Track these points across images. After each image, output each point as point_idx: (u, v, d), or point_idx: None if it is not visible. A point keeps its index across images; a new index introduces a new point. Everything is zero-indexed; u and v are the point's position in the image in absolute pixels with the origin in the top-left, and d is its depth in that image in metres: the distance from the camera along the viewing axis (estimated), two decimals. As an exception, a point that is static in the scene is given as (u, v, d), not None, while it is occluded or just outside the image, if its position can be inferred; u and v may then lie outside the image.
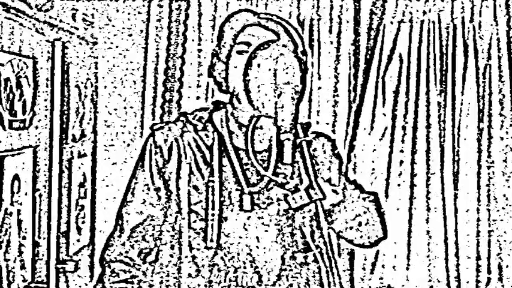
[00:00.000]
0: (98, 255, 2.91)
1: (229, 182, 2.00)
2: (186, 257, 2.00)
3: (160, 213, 2.03)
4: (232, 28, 2.05)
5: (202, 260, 1.99)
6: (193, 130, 2.05)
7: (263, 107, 1.94)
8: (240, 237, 2.00)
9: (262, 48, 1.96)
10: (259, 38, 2.01)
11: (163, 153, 2.03)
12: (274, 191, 2.02)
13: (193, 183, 2.00)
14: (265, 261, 2.00)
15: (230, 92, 2.04)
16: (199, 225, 1.99)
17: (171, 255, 2.01)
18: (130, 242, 2.02)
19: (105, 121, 3.10)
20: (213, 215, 1.97)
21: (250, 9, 2.10)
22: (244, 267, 1.98)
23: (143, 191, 2.03)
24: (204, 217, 1.98)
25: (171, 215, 2.02)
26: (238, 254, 1.99)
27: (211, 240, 1.98)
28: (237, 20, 2.05)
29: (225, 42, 2.05)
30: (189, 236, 1.99)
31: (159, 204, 2.03)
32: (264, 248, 2.01)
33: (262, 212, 2.00)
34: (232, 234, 1.99)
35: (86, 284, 2.93)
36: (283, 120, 1.94)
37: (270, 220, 2.01)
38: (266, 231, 2.01)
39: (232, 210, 1.99)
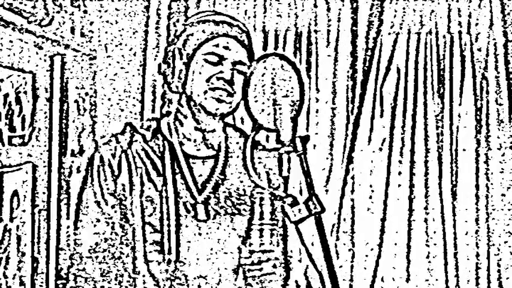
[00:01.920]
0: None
1: (183, 192, 1.99)
2: (139, 272, 1.97)
3: (114, 231, 2.00)
4: (197, 32, 2.04)
5: (161, 273, 1.96)
6: (142, 140, 2.04)
7: (263, 119, 1.95)
8: (197, 247, 1.98)
9: (260, 61, 1.97)
10: (231, 50, 2.02)
11: (112, 168, 2.01)
12: (227, 198, 2.01)
13: (146, 194, 1.99)
14: (219, 274, 1.98)
15: (179, 92, 2.04)
16: (155, 238, 1.97)
17: (126, 271, 1.99)
18: (92, 263, 1.99)
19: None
20: (168, 225, 1.95)
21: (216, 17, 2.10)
22: (205, 278, 1.96)
23: (93, 210, 2.00)
24: (159, 229, 1.96)
25: (125, 230, 1.99)
26: (197, 265, 1.97)
27: (170, 253, 1.95)
28: (201, 27, 2.05)
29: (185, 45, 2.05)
30: (145, 250, 1.97)
31: (109, 222, 2.00)
32: (217, 259, 1.99)
33: (220, 220, 1.99)
34: (190, 244, 1.97)
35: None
36: (282, 133, 1.94)
37: (230, 227, 2.00)
38: (222, 239, 1.99)
39: (186, 219, 1.97)
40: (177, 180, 1.99)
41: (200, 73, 2.01)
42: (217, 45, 2.02)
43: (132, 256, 1.97)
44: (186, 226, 1.97)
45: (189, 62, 2.03)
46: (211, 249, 1.98)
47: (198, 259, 1.98)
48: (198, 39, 2.03)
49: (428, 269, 3.08)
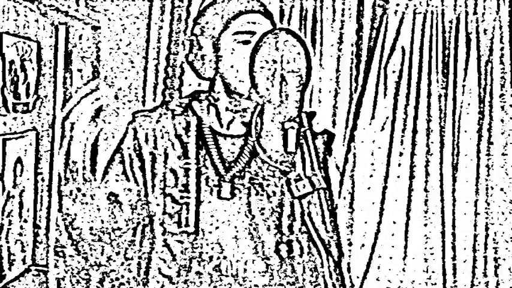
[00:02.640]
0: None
1: (207, 167, 1.98)
2: (154, 243, 1.97)
3: (136, 199, 2.00)
4: (217, 14, 2.02)
5: (175, 246, 1.96)
6: (170, 115, 2.04)
7: (268, 95, 1.94)
8: (217, 225, 1.98)
9: (266, 36, 1.95)
10: (261, 24, 2.00)
11: (139, 139, 2.01)
12: (250, 176, 2.01)
13: (169, 165, 1.98)
14: (235, 251, 1.98)
15: (209, 79, 2.03)
16: (175, 209, 1.97)
17: (142, 242, 1.99)
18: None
19: (107, 105, 3.10)
20: (188, 197, 1.95)
21: None
22: (224, 257, 1.96)
23: (116, 179, 2.01)
24: (178, 199, 1.96)
25: (146, 200, 1.99)
26: (218, 243, 1.96)
27: (187, 225, 1.95)
28: (223, 7, 2.03)
29: (207, 28, 2.03)
30: (163, 221, 1.97)
31: (132, 191, 2.00)
32: (237, 237, 1.98)
33: (241, 199, 1.99)
34: (210, 220, 1.97)
35: (84, 268, 2.93)
36: (287, 108, 1.94)
37: (249, 207, 1.99)
38: (241, 219, 1.99)
39: (211, 195, 1.97)
40: (200, 154, 1.98)
41: (232, 54, 1.98)
42: (244, 23, 2.00)
43: (150, 228, 1.98)
44: (209, 202, 1.96)
45: (218, 46, 2.01)
46: (234, 227, 1.98)
47: (218, 236, 1.97)
48: (221, 19, 2.00)
49: (425, 248, 3.10)
